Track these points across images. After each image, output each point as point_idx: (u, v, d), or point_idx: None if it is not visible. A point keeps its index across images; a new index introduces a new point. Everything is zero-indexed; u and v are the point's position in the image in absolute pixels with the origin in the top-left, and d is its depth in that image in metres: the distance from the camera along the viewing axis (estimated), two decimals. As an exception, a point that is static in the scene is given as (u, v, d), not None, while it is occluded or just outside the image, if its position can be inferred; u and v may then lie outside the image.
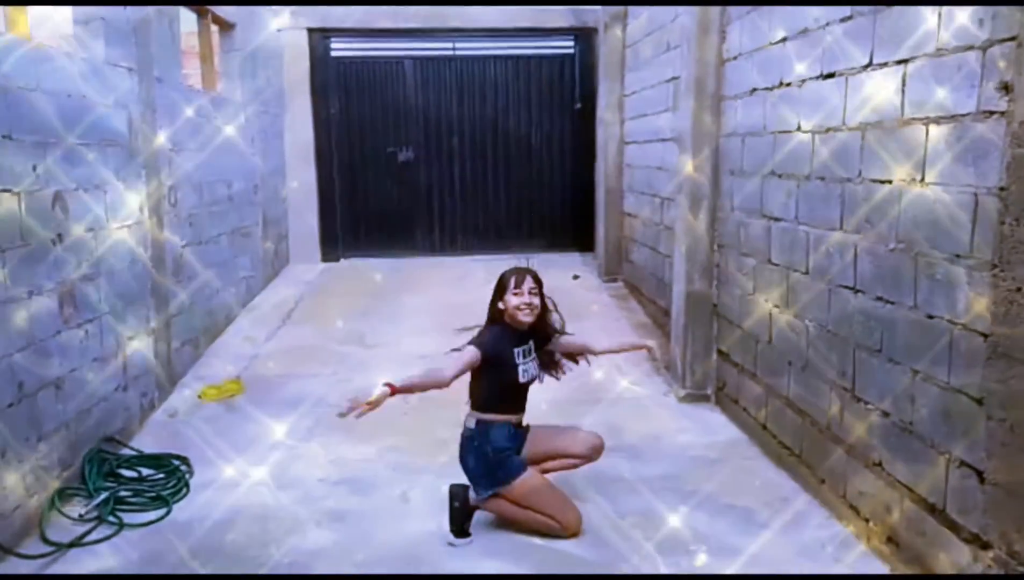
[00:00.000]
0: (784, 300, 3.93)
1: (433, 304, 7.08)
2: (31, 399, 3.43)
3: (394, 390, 3.06)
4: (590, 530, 3.36)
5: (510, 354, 3.35)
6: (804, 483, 3.73)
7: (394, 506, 3.67)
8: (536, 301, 3.38)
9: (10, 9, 4.11)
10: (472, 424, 3.38)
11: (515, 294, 3.35)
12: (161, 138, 5.07)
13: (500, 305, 3.39)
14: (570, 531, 3.30)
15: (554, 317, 3.55)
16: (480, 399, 3.40)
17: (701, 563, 3.15)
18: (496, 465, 3.32)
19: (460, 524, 3.35)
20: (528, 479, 3.32)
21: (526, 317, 3.36)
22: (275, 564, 3.19)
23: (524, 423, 3.52)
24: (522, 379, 3.39)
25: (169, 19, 5.45)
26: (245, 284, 7.14)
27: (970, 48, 2.54)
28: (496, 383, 3.37)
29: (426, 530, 3.40)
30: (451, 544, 3.30)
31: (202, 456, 4.17)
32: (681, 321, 5.04)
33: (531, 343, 3.46)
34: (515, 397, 3.45)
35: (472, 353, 3.28)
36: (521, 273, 3.40)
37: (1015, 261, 2.35)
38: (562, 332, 3.61)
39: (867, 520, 3.20)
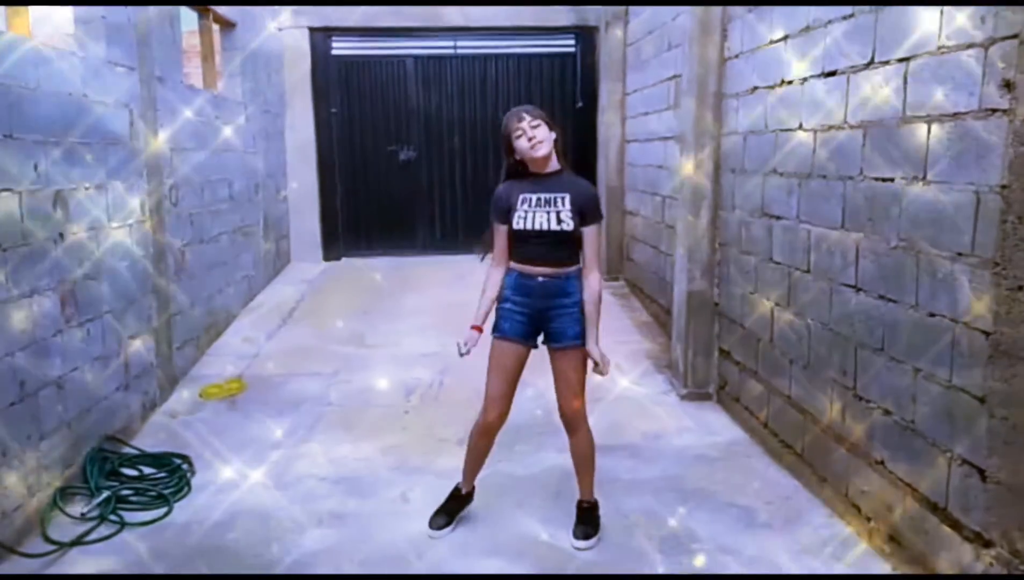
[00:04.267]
0: (785, 299, 3.92)
1: (434, 303, 7.07)
2: (32, 398, 3.43)
3: (479, 328, 3.26)
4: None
5: (514, 202, 3.20)
6: (805, 482, 3.73)
7: (394, 506, 3.67)
8: (538, 132, 3.13)
9: (10, 9, 4.11)
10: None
11: (517, 137, 3.15)
12: (162, 138, 5.07)
13: (515, 157, 3.21)
14: (481, 419, 3.32)
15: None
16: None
17: (701, 563, 3.14)
18: (495, 312, 3.29)
19: (445, 511, 3.43)
20: (495, 346, 3.27)
21: (541, 150, 3.13)
22: (275, 564, 3.19)
23: (545, 277, 3.20)
24: (515, 225, 3.17)
25: (170, 18, 5.45)
26: (246, 283, 7.13)
27: (971, 46, 2.53)
28: (506, 232, 3.25)
29: (426, 530, 3.39)
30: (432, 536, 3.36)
31: (202, 456, 4.17)
32: (682, 320, 5.03)
33: (555, 196, 3.18)
34: (520, 243, 3.22)
35: (498, 228, 3.25)
36: (512, 116, 3.18)
37: (1017, 259, 2.35)
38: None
39: (868, 519, 3.19)
